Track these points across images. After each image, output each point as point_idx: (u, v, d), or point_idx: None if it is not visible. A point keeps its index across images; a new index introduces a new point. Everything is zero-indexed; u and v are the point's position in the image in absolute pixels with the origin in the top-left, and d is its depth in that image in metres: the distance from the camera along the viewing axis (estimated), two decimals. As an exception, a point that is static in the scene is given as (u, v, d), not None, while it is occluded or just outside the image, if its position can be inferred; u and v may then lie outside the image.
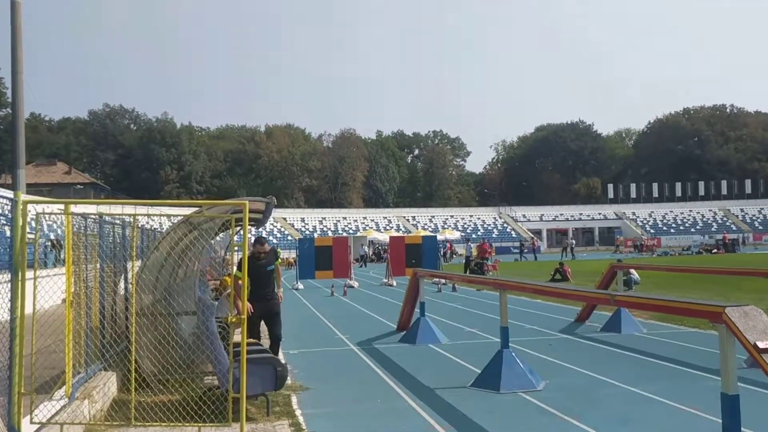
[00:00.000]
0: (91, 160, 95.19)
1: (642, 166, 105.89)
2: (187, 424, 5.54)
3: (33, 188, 58.80)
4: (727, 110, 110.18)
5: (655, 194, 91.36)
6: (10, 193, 5.76)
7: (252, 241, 9.06)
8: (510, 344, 8.48)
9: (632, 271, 19.40)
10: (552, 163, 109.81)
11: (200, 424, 5.56)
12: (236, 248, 7.10)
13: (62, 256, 21.22)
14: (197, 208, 8.06)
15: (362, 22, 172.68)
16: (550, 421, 6.66)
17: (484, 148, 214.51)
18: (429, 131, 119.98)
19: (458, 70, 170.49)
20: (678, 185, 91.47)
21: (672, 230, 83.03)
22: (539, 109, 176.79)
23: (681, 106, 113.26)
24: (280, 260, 8.96)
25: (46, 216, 7.24)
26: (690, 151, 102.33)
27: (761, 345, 4.13)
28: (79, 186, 74.52)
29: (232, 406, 6.32)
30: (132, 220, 6.53)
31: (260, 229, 64.37)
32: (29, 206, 5.38)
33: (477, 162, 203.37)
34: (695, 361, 9.49)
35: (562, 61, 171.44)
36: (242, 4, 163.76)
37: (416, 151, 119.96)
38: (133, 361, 5.62)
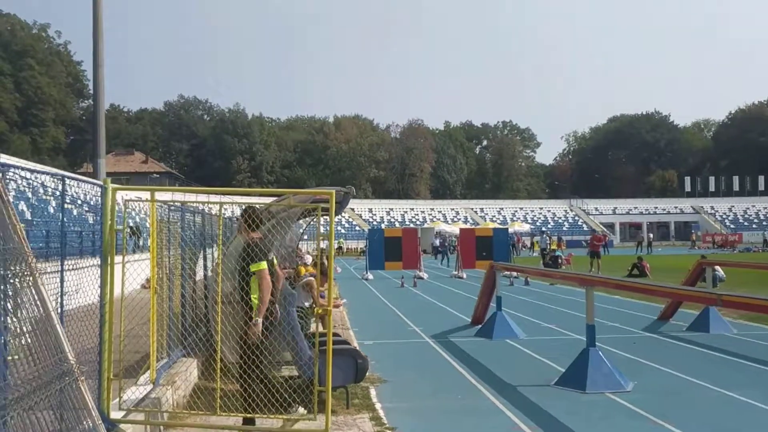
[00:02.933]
0: (167, 149, 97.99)
1: (721, 159, 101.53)
2: (272, 416, 5.47)
3: (112, 177, 59.92)
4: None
5: (736, 188, 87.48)
6: (94, 181, 5.79)
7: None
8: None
9: (717, 267, 18.50)
10: (625, 155, 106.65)
11: (286, 416, 5.48)
12: (322, 238, 6.93)
13: (140, 243, 21.89)
14: (280, 197, 8.00)
15: (431, 10, 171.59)
16: (641, 425, 6.32)
17: (555, 139, 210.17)
18: (498, 122, 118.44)
19: (528, 60, 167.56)
20: (761, 179, 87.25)
21: (754, 225, 79.36)
22: (613, 99, 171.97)
23: (765, 96, 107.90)
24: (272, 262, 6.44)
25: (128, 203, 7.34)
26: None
27: None
28: (155, 175, 76.87)
29: (305, 396, 6.25)
30: (215, 208, 6.52)
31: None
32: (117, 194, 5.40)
33: (547, 153, 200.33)
34: (795, 365, 8.91)
35: (637, 48, 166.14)
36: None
37: (485, 142, 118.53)
38: (219, 349, 5.58)
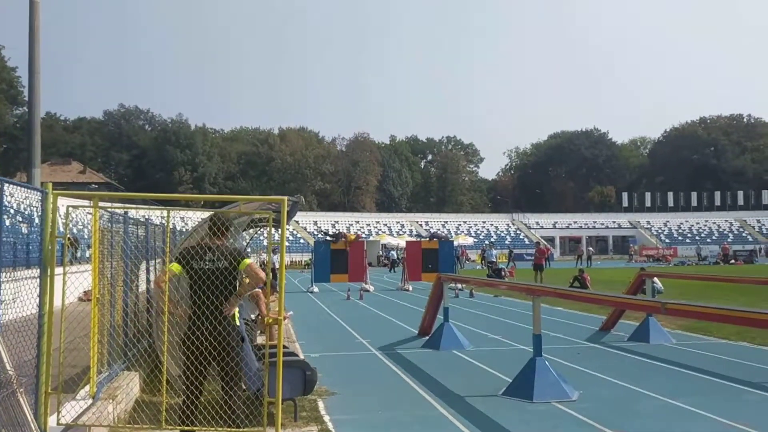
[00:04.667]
0: (106, 160, 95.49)
1: (657, 175, 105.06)
2: (220, 428, 5.31)
3: (48, 187, 58.79)
4: (744, 120, 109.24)
5: (671, 203, 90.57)
6: (34, 187, 5.52)
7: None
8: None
9: (655, 279, 19.01)
10: (565, 170, 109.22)
11: (234, 429, 5.32)
12: (274, 247, 6.79)
13: (78, 255, 21.18)
14: (230, 204, 7.84)
15: (377, 27, 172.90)
16: (589, 434, 6.39)
17: (497, 155, 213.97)
18: (443, 137, 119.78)
19: (472, 77, 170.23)
20: (693, 195, 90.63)
21: (687, 240, 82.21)
22: (553, 116, 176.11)
23: (697, 116, 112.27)
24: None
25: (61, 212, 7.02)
26: (706, 161, 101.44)
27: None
28: (93, 185, 74.70)
29: (259, 410, 6.11)
30: (156, 218, 6.32)
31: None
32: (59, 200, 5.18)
33: (490, 168, 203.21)
34: (731, 373, 9.18)
35: (576, 69, 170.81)
36: (258, 8, 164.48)
37: (429, 157, 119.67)
38: (165, 362, 5.40)
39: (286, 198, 5.35)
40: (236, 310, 5.64)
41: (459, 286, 23.61)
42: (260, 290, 11.05)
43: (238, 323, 5.67)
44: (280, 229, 5.41)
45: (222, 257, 5.54)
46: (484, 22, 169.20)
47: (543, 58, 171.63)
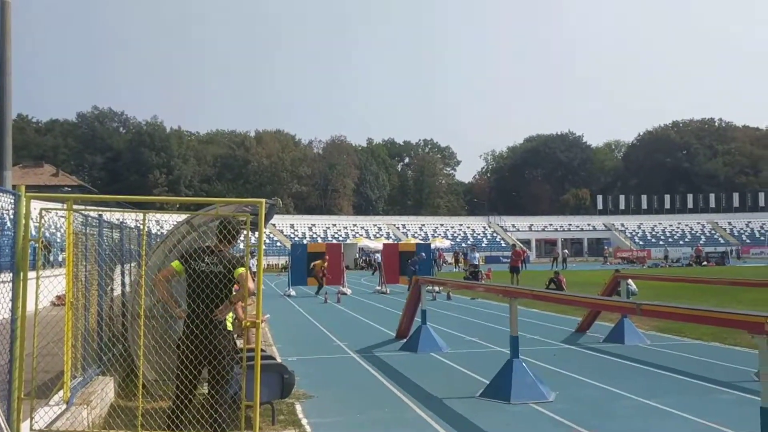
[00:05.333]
0: (79, 162, 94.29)
1: (631, 178, 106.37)
2: (200, 433, 5.26)
3: (20, 190, 57.85)
4: (716, 124, 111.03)
5: (644, 206, 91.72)
6: (5, 189, 5.42)
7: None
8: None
9: (630, 281, 19.22)
10: (541, 173, 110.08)
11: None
12: (252, 250, 6.77)
13: (50, 258, 20.85)
14: (206, 207, 7.78)
15: (355, 29, 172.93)
16: (567, 434, 6.43)
17: (474, 158, 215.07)
18: (419, 140, 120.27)
19: (448, 80, 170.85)
20: (667, 197, 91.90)
21: (661, 242, 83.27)
22: (529, 119, 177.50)
23: (670, 120, 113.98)
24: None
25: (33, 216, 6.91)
26: (679, 164, 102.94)
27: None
28: (66, 188, 73.61)
29: (237, 414, 6.07)
30: (131, 222, 6.27)
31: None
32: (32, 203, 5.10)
33: (466, 171, 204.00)
34: (705, 373, 9.31)
35: (551, 72, 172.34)
36: (233, 9, 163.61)
37: (406, 160, 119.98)
38: (141, 366, 5.34)
39: (264, 200, 5.32)
40: (230, 315, 5.63)
41: (436, 288, 23.69)
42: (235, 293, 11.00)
43: (231, 328, 5.67)
44: (257, 232, 5.36)
45: (219, 262, 5.58)
46: (460, 26, 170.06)
47: (519, 61, 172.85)
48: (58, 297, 6.92)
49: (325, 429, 6.60)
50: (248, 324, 5.34)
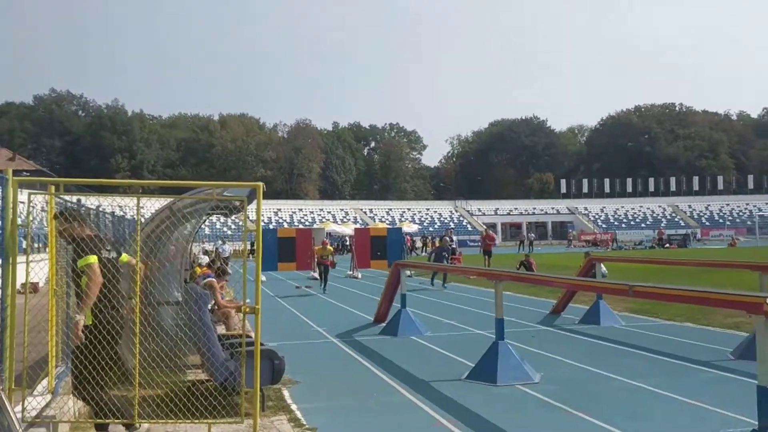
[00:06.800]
0: (36, 147, 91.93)
1: (594, 162, 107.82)
2: (197, 421, 5.17)
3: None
4: (676, 109, 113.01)
5: (607, 190, 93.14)
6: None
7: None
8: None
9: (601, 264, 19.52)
10: (506, 157, 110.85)
11: (211, 421, 5.19)
12: (224, 236, 6.64)
13: (25, 246, 20.31)
14: (196, 190, 7.62)
15: (319, 12, 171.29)
16: (557, 416, 6.49)
17: (440, 142, 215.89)
18: (386, 124, 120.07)
19: (414, 64, 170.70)
20: (629, 181, 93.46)
21: (623, 225, 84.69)
22: (494, 104, 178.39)
23: (632, 104, 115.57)
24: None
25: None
26: (641, 148, 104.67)
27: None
28: (25, 173, 71.78)
29: (221, 401, 5.99)
30: (114, 206, 6.08)
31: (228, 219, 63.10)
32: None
33: (433, 156, 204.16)
34: (682, 353, 9.49)
35: (515, 57, 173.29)
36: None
37: (372, 144, 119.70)
38: (138, 353, 5.21)
39: (261, 184, 5.22)
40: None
41: (407, 272, 23.68)
42: (213, 279, 10.86)
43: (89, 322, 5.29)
44: (238, 216, 5.24)
45: (111, 248, 5.41)
46: (423, 9, 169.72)
47: (483, 45, 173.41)
48: (23, 285, 6.66)
49: (316, 414, 6.55)
50: (247, 310, 5.25)
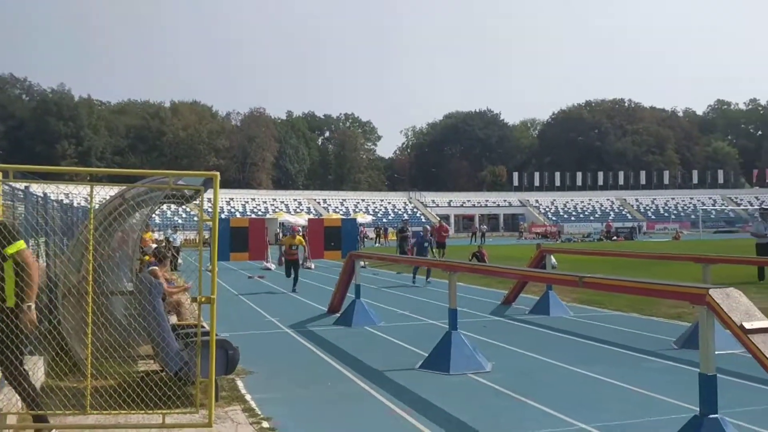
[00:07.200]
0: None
1: (545, 156, 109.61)
2: (150, 411, 5.13)
3: None
4: (626, 104, 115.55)
5: (558, 183, 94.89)
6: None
7: None
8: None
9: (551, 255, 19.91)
10: (460, 150, 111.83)
11: (165, 411, 5.15)
12: (174, 225, 6.57)
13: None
14: (151, 179, 7.51)
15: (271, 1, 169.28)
16: (508, 403, 6.64)
17: (395, 134, 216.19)
18: (340, 113, 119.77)
19: (368, 54, 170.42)
20: (579, 175, 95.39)
21: (573, 218, 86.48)
22: (449, 96, 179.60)
23: (583, 99, 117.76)
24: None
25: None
26: (591, 143, 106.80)
27: (747, 326, 4.18)
28: (-35, 158, 69.38)
29: (175, 391, 5.95)
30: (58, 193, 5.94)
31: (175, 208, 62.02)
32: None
33: (387, 147, 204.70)
34: (628, 342, 9.78)
35: (470, 50, 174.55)
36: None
37: (327, 134, 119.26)
38: (89, 343, 5.13)
39: (217, 174, 5.19)
40: None
41: (362, 263, 23.75)
42: (156, 267, 10.70)
43: None
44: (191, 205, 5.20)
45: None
46: (381, 0, 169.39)
47: (437, 37, 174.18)
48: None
49: (270, 404, 6.55)
50: (203, 300, 5.22)
